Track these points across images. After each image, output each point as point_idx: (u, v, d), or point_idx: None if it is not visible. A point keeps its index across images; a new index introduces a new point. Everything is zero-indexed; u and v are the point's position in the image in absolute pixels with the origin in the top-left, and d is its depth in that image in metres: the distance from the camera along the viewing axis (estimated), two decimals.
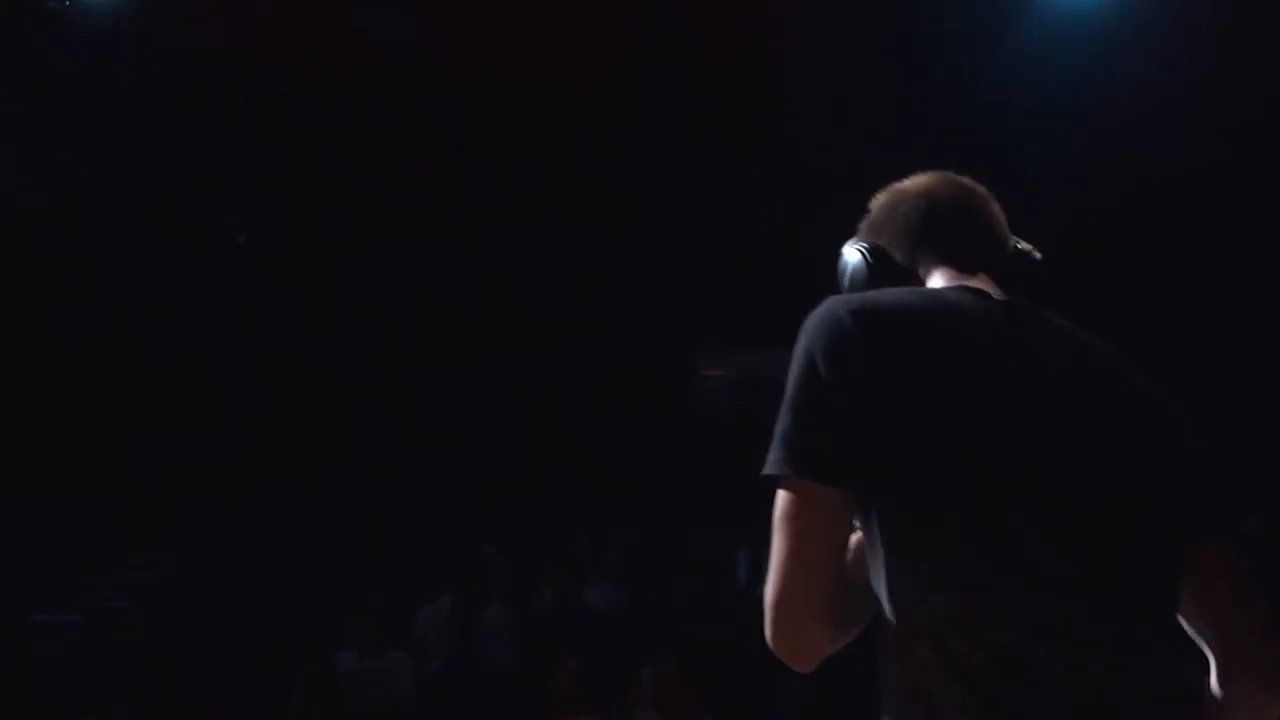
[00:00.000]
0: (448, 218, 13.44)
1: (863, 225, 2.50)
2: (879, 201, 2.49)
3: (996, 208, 2.44)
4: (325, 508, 12.95)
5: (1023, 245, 2.45)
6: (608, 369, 15.46)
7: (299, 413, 14.58)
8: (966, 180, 2.46)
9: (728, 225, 13.34)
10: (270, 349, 14.59)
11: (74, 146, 11.81)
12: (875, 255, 2.41)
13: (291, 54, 10.91)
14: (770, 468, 2.07)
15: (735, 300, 14.55)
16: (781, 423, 2.09)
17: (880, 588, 2.06)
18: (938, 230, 2.40)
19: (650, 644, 9.82)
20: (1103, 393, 2.16)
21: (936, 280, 2.35)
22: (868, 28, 10.87)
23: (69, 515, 13.09)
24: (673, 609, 11.19)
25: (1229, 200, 12.04)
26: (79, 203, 12.74)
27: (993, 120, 11.25)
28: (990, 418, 2.06)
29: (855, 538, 2.15)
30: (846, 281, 2.41)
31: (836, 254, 2.45)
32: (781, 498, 2.07)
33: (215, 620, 11.16)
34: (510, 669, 10.29)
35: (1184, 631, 2.12)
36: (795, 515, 2.04)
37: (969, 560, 1.97)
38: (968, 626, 1.95)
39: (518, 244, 13.84)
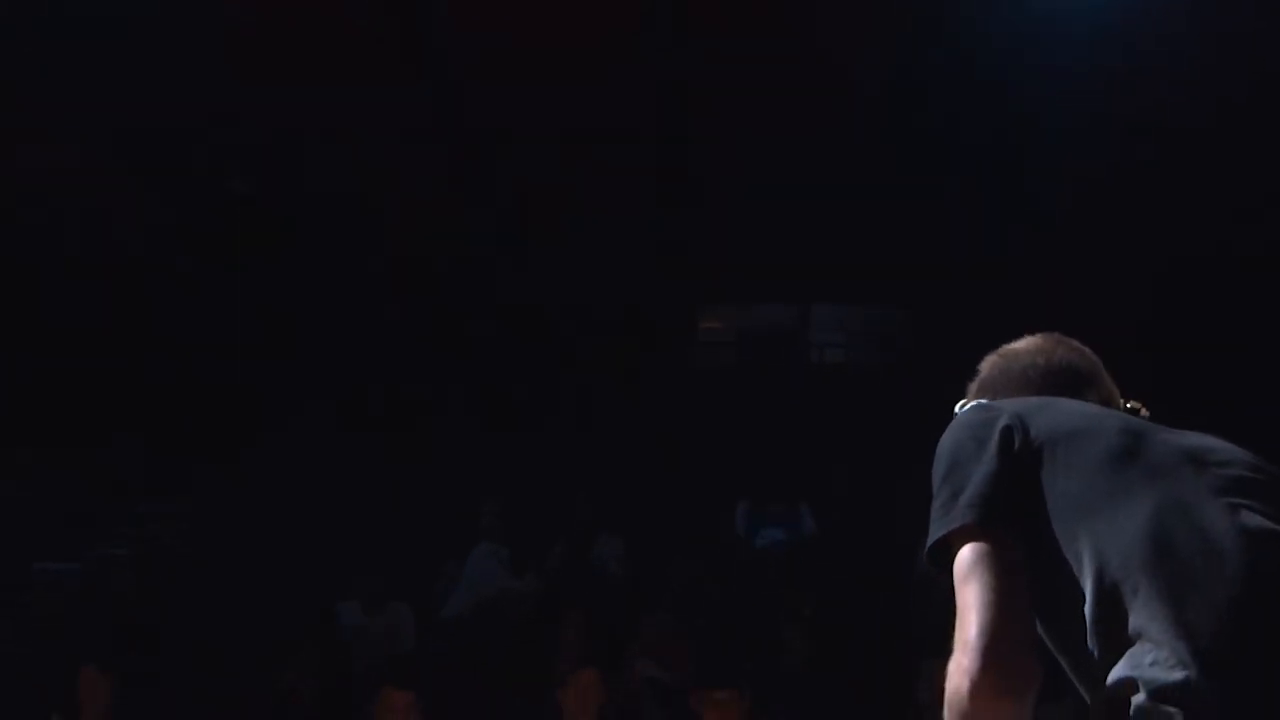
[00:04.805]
0: (454, 174, 13.42)
1: (973, 385, 2.62)
2: (990, 362, 2.63)
3: (1103, 369, 2.58)
4: (328, 462, 12.95)
5: (1132, 404, 2.54)
6: (607, 325, 15.46)
7: (303, 367, 14.56)
8: (1075, 342, 2.61)
9: (729, 180, 13.32)
10: (272, 303, 14.57)
11: (71, 96, 11.74)
12: None
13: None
14: (955, 521, 2.15)
15: (734, 255, 14.54)
16: (945, 494, 2.20)
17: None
18: (1052, 385, 2.51)
19: (651, 597, 9.86)
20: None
21: None
22: None
23: (71, 465, 13.09)
24: (673, 562, 11.23)
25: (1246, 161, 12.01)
26: (81, 154, 12.69)
27: (1008, 76, 11.23)
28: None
29: None
30: None
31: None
32: (966, 553, 2.13)
33: (219, 572, 11.19)
34: (513, 623, 10.34)
35: None
36: (987, 559, 2.11)
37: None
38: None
39: (519, 200, 13.80)
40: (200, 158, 13.04)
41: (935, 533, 2.18)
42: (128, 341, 14.32)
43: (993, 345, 2.70)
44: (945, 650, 2.08)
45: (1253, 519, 2.06)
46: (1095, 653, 2.05)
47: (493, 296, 15.26)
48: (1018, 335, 2.68)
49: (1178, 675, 1.91)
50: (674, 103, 12.34)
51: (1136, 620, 1.98)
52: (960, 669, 2.02)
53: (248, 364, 14.52)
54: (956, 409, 2.48)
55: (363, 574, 10.37)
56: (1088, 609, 2.04)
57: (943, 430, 2.35)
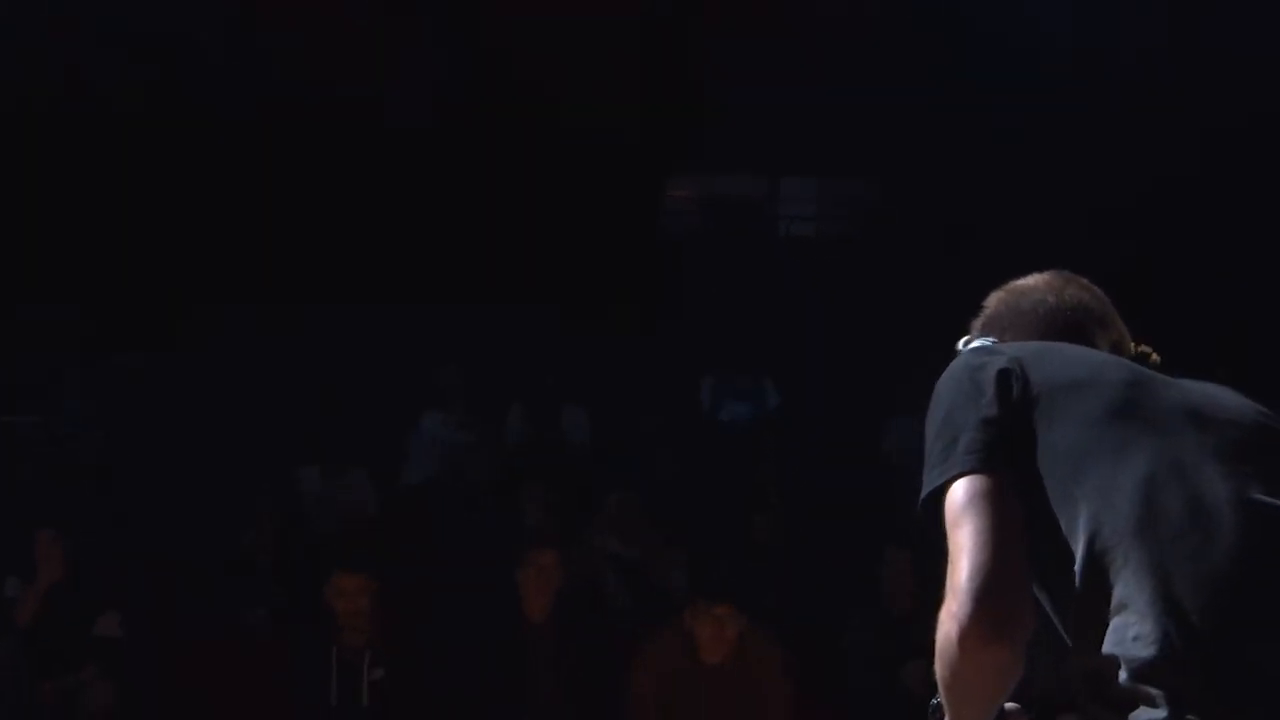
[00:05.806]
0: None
1: (978, 321, 2.51)
2: (997, 298, 2.53)
3: (1114, 309, 2.49)
4: (292, 324, 12.84)
5: (1143, 348, 2.48)
6: (571, 191, 15.31)
7: (274, 226, 14.35)
8: (1085, 280, 2.52)
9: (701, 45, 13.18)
10: (251, 162, 14.33)
11: None
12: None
13: None
14: (952, 469, 2.07)
15: (704, 120, 14.41)
16: (945, 439, 2.11)
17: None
18: (1062, 326, 2.42)
19: (615, 472, 9.85)
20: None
21: None
22: None
23: (36, 317, 12.92)
24: (638, 437, 11.20)
25: None
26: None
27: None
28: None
29: None
30: None
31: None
32: (959, 494, 2.04)
33: (180, 433, 11.11)
34: (472, 492, 10.34)
35: None
36: (979, 503, 2.02)
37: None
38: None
39: (490, 65, 13.63)
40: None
41: (931, 482, 2.09)
42: (96, 197, 14.08)
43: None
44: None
45: (1251, 488, 1.99)
46: (1081, 616, 1.99)
47: (461, 162, 15.07)
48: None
49: (1160, 652, 1.85)
50: None
51: (1124, 590, 1.92)
52: (950, 614, 1.95)
53: (218, 225, 14.30)
54: (959, 346, 2.41)
55: (323, 440, 10.34)
56: (1077, 570, 1.97)
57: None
